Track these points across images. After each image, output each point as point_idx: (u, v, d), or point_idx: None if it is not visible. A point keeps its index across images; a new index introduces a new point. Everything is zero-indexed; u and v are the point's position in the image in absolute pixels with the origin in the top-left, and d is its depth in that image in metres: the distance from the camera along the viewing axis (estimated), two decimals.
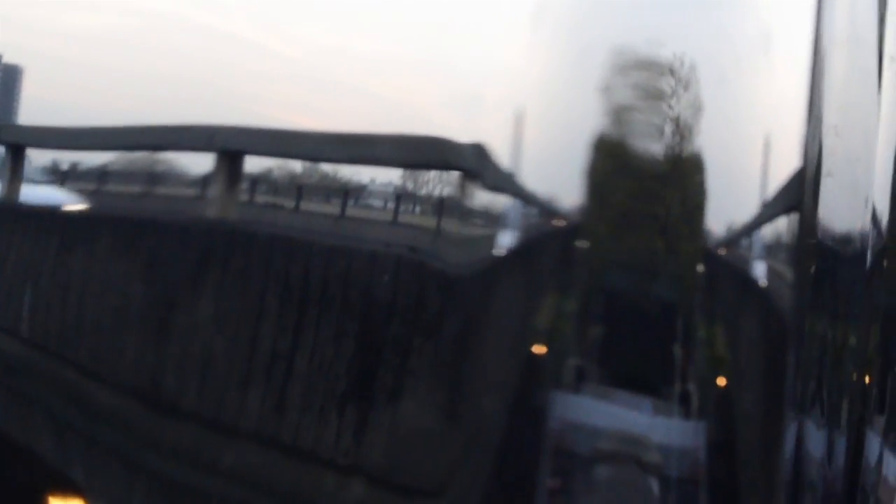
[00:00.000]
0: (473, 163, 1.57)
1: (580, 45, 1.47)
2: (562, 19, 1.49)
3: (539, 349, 1.47)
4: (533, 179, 1.49)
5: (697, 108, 1.40)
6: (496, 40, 1.57)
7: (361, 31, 1.81)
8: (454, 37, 1.65)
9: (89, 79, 2.29)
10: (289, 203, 2.06)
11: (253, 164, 2.06)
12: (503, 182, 1.53)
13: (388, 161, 1.77)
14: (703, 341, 1.41)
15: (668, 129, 1.39)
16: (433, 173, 1.73)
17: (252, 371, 1.89)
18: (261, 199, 2.09)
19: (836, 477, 1.41)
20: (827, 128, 1.41)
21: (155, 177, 2.35)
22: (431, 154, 1.67)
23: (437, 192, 1.73)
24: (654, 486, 1.41)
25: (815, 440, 1.41)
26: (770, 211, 1.42)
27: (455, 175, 1.66)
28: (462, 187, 1.62)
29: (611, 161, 1.43)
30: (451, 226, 1.66)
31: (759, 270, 1.44)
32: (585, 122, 1.42)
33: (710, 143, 1.40)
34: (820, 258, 1.41)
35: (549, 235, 1.50)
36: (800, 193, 1.40)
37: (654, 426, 1.41)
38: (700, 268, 1.41)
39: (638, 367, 1.43)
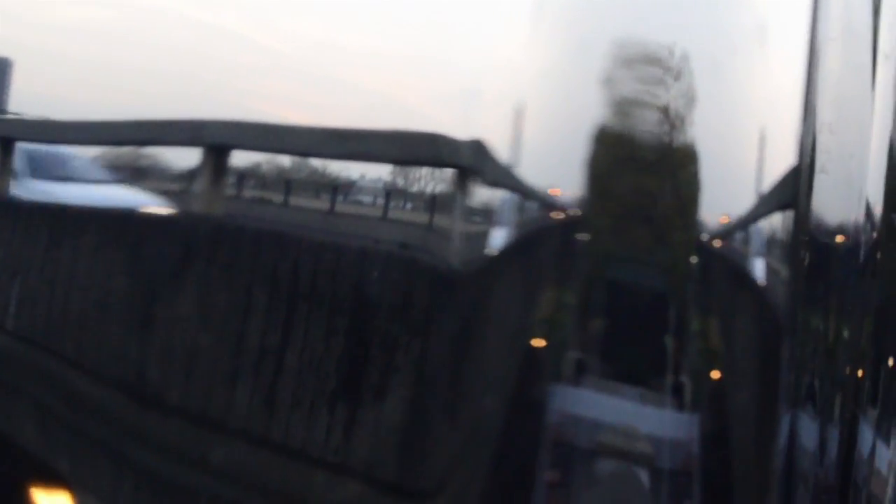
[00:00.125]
0: (471, 159, 1.57)
1: (579, 39, 1.48)
2: (560, 13, 1.49)
3: (538, 342, 1.47)
4: (532, 174, 1.50)
5: (694, 102, 1.40)
6: (493, 35, 1.57)
7: (354, 25, 1.80)
8: (451, 31, 1.65)
9: (78, 72, 2.28)
10: (277, 198, 2.05)
11: (241, 158, 2.05)
12: (502, 177, 1.54)
13: (383, 157, 1.77)
14: (700, 334, 1.42)
15: (666, 122, 1.40)
16: (425, 169, 1.73)
17: (241, 367, 1.89)
18: (249, 193, 2.08)
19: (828, 469, 1.42)
20: (821, 124, 1.42)
21: (141, 171, 2.35)
22: (427, 150, 1.67)
23: (429, 189, 1.73)
24: (651, 478, 1.42)
25: (809, 432, 1.42)
26: (765, 206, 1.43)
27: (449, 171, 1.66)
28: (458, 183, 1.62)
29: (610, 154, 1.44)
30: (445, 221, 1.66)
31: (755, 265, 1.45)
32: (584, 115, 1.43)
33: (706, 136, 1.41)
34: (814, 253, 1.42)
35: (547, 229, 1.50)
36: (794, 189, 1.41)
37: (652, 419, 1.41)
38: (696, 261, 1.42)
39: (636, 360, 1.43)
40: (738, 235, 1.44)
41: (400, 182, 1.80)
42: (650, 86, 1.41)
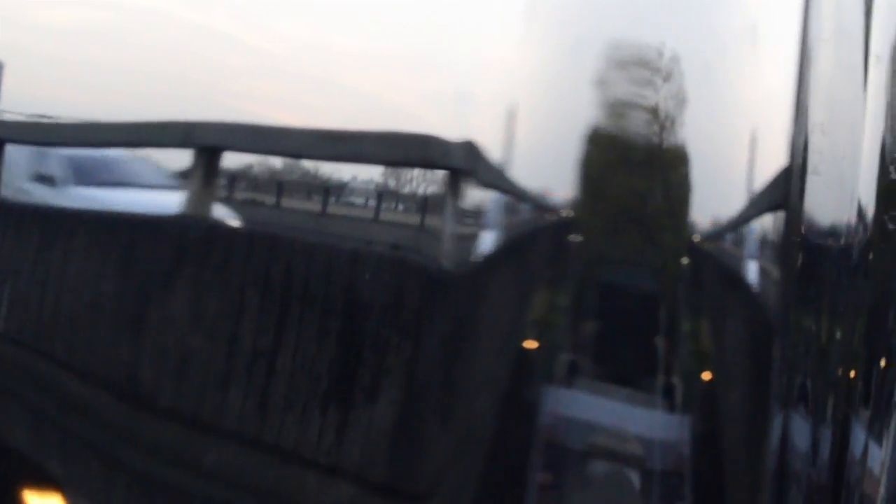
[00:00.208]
0: (463, 160, 1.57)
1: (571, 40, 1.48)
2: (553, 14, 1.50)
3: (530, 344, 1.47)
4: (525, 175, 1.50)
5: (685, 103, 1.41)
6: (486, 36, 1.57)
7: (346, 26, 1.80)
8: (443, 33, 1.65)
9: (69, 74, 2.28)
10: (269, 200, 2.05)
11: (233, 160, 2.05)
12: (495, 178, 1.54)
13: (375, 159, 1.77)
14: (692, 336, 1.42)
15: (659, 123, 1.40)
16: (417, 171, 1.73)
17: (233, 369, 1.88)
18: (240, 195, 2.07)
19: (821, 469, 1.42)
20: (813, 125, 1.42)
21: None
22: (419, 152, 1.67)
23: (421, 190, 1.73)
24: (644, 479, 1.42)
25: (801, 433, 1.42)
26: (757, 207, 1.43)
27: (441, 172, 1.66)
28: (450, 185, 1.62)
29: (603, 156, 1.44)
30: (437, 223, 1.66)
31: (747, 266, 1.45)
32: (577, 116, 1.43)
33: (698, 137, 1.41)
34: (806, 254, 1.43)
35: (538, 231, 1.50)
36: (786, 190, 1.42)
37: (644, 420, 1.42)
38: (688, 262, 1.42)
39: (628, 362, 1.44)
40: (730, 236, 1.44)
41: (392, 183, 1.79)
42: (642, 87, 1.42)
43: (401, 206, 1.79)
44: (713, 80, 1.44)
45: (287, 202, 1.99)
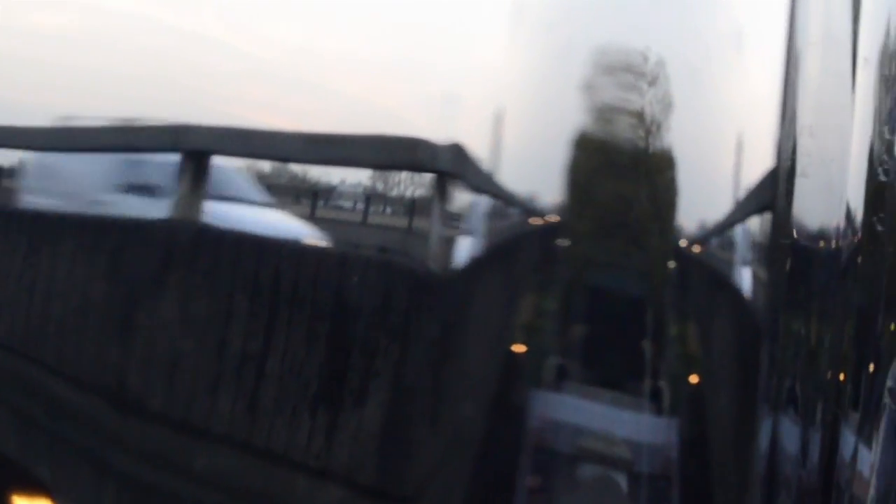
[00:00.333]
0: (451, 163, 1.57)
1: (558, 44, 1.48)
2: (540, 18, 1.49)
3: (518, 348, 1.47)
4: (512, 179, 1.50)
5: (672, 107, 1.41)
6: (473, 40, 1.57)
7: (334, 30, 1.80)
8: (431, 36, 1.65)
9: (57, 79, 2.27)
10: None
11: (221, 163, 2.05)
12: (482, 182, 1.53)
13: (363, 162, 1.77)
14: (680, 339, 1.42)
15: (645, 127, 1.40)
16: (405, 174, 1.73)
17: (222, 373, 1.88)
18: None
19: (811, 473, 1.42)
20: (801, 128, 1.42)
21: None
22: (407, 155, 1.67)
23: (409, 193, 1.73)
24: (633, 483, 1.42)
25: (790, 436, 1.42)
26: (744, 210, 1.43)
27: (429, 176, 1.66)
28: (438, 188, 1.62)
29: (590, 160, 1.44)
30: (425, 226, 1.66)
31: (734, 269, 1.45)
32: (564, 120, 1.43)
33: (685, 141, 1.41)
34: (795, 257, 1.43)
35: (527, 235, 1.50)
36: (773, 192, 1.42)
37: (634, 424, 1.41)
38: (675, 266, 1.42)
39: (616, 366, 1.43)
40: (718, 240, 1.44)
41: (380, 187, 1.79)
42: (629, 91, 1.42)
43: (389, 210, 1.79)
44: (699, 84, 1.44)
45: (276, 206, 1.99)
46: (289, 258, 1.83)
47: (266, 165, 2.01)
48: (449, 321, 1.56)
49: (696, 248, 1.42)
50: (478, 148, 1.52)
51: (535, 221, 1.49)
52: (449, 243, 1.61)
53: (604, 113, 1.43)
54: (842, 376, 1.44)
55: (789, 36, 1.44)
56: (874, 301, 1.45)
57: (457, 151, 1.55)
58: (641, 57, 1.42)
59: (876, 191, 1.43)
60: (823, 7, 1.45)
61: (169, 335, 1.99)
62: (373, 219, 1.81)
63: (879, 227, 1.43)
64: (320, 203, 1.90)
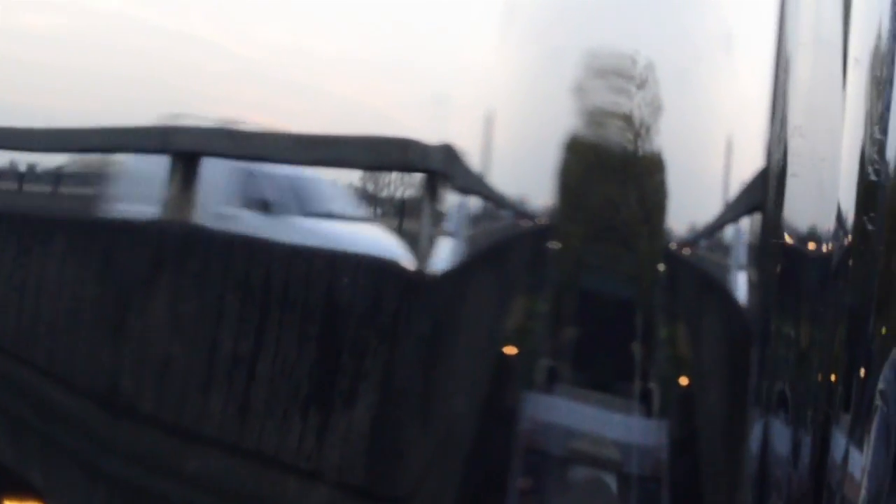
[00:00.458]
0: (441, 164, 1.56)
1: (548, 47, 1.48)
2: (530, 21, 1.49)
3: (510, 350, 1.47)
4: (503, 181, 1.50)
5: (662, 109, 1.41)
6: (465, 41, 1.57)
7: (324, 31, 1.80)
8: (421, 37, 1.65)
9: (44, 79, 2.27)
10: None
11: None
12: (472, 183, 1.53)
13: (354, 163, 1.76)
14: (671, 341, 1.43)
15: (635, 129, 1.40)
16: (395, 175, 1.73)
17: (213, 375, 1.88)
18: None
19: (802, 474, 1.42)
20: (792, 129, 1.42)
21: (109, 178, 2.32)
22: (398, 156, 1.67)
23: (399, 194, 1.73)
24: (624, 485, 1.42)
25: (781, 438, 1.42)
26: (734, 212, 1.43)
27: (419, 177, 1.66)
28: (428, 189, 1.62)
29: (581, 162, 1.44)
30: (414, 227, 1.66)
31: (725, 271, 1.45)
32: (555, 123, 1.43)
33: (674, 143, 1.41)
34: (785, 258, 1.43)
35: (517, 236, 1.50)
36: (764, 194, 1.42)
37: (625, 426, 1.42)
38: (666, 268, 1.42)
39: (608, 368, 1.44)
40: (708, 241, 1.44)
41: (370, 187, 1.79)
42: (619, 94, 1.42)
43: (379, 210, 1.79)
44: (689, 86, 1.44)
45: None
46: (279, 259, 1.83)
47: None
48: (440, 322, 1.56)
49: (687, 251, 1.42)
50: (469, 149, 1.52)
51: (526, 223, 1.48)
52: (439, 245, 1.61)
53: (594, 116, 1.43)
54: (833, 378, 1.44)
55: (779, 37, 1.44)
56: (865, 302, 1.45)
57: (447, 152, 1.55)
58: (631, 59, 1.42)
59: (867, 191, 1.43)
60: (814, 8, 1.45)
61: (160, 337, 1.99)
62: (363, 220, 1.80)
63: (870, 228, 1.43)
64: None
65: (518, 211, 1.49)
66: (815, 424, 1.43)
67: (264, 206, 1.96)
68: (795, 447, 1.42)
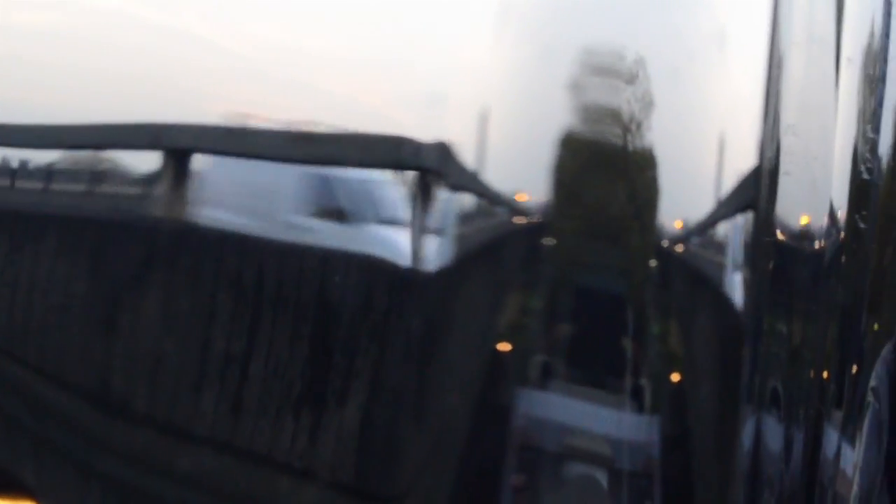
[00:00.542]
0: (435, 162, 1.57)
1: (542, 43, 1.48)
2: (525, 18, 1.50)
3: (503, 347, 1.47)
4: (498, 178, 1.50)
5: (655, 106, 1.41)
6: (459, 39, 1.57)
7: (317, 27, 1.80)
8: (416, 34, 1.65)
9: (34, 75, 2.26)
10: None
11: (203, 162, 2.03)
12: (467, 181, 1.54)
13: (347, 160, 1.76)
14: (664, 337, 1.43)
15: (628, 126, 1.41)
16: (388, 172, 1.73)
17: (206, 373, 1.88)
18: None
19: (794, 471, 1.43)
20: (785, 127, 1.43)
21: (100, 175, 2.32)
22: (392, 153, 1.67)
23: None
24: (617, 481, 1.42)
25: (774, 435, 1.42)
26: (727, 209, 1.44)
27: (413, 174, 1.66)
28: (421, 186, 1.62)
29: (574, 159, 1.44)
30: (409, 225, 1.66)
31: (719, 268, 1.46)
32: (549, 120, 1.43)
33: (666, 140, 1.42)
34: (778, 255, 1.43)
35: (511, 233, 1.50)
36: (757, 191, 1.42)
37: (618, 422, 1.42)
38: (661, 265, 1.43)
39: (602, 364, 1.44)
40: (701, 239, 1.44)
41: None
42: (615, 90, 1.42)
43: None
44: (682, 84, 1.45)
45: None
46: (272, 257, 1.83)
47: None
48: (433, 320, 1.56)
49: (680, 247, 1.42)
50: (463, 147, 1.53)
51: (520, 220, 1.49)
52: (432, 242, 1.61)
53: (588, 113, 1.44)
54: (825, 375, 1.44)
55: (773, 36, 1.44)
56: (857, 299, 1.45)
57: (441, 150, 1.55)
58: (624, 57, 1.42)
59: (859, 190, 1.44)
60: (807, 7, 1.46)
61: (153, 336, 1.98)
62: None
63: (862, 226, 1.44)
64: None
65: (512, 208, 1.50)
66: (808, 421, 1.44)
67: (339, 215, 1.83)
68: (787, 444, 1.43)
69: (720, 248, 1.45)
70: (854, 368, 1.44)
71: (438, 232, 1.59)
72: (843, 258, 1.45)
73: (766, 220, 1.43)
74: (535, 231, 1.46)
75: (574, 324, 1.44)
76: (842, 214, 1.44)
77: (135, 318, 2.03)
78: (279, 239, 1.88)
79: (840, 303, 1.45)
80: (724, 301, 1.45)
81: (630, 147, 1.42)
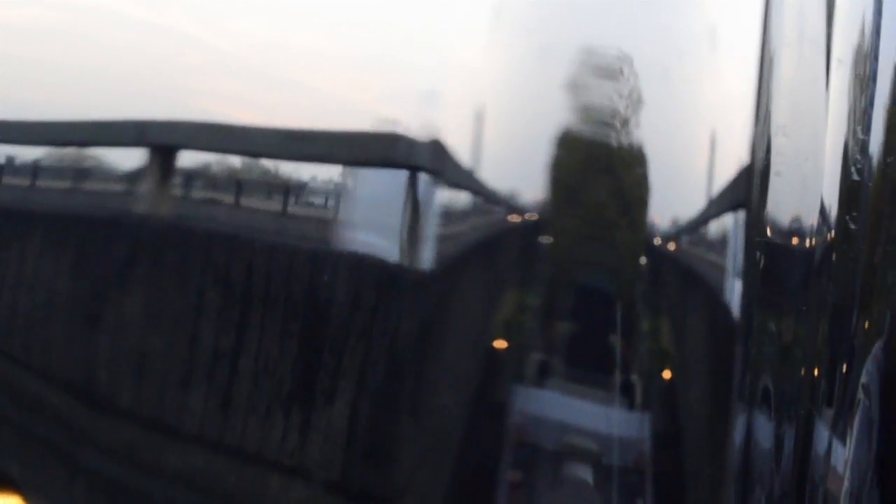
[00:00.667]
0: (429, 160, 1.57)
1: (535, 42, 1.48)
2: (519, 16, 1.50)
3: (500, 344, 1.48)
4: (493, 176, 1.50)
5: (646, 104, 1.42)
6: (454, 37, 1.57)
7: (308, 23, 1.80)
8: (409, 32, 1.65)
9: (17, 71, 2.25)
10: (228, 199, 2.03)
11: (190, 158, 2.03)
12: (462, 179, 1.54)
13: (339, 158, 1.76)
14: (655, 335, 1.44)
15: (620, 124, 1.41)
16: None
17: (194, 370, 1.87)
18: (198, 194, 2.06)
19: (785, 468, 1.44)
20: (775, 127, 1.44)
21: (84, 172, 2.31)
22: (385, 151, 1.67)
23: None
24: (609, 478, 1.43)
25: (765, 432, 1.43)
26: (718, 207, 1.44)
27: (406, 172, 1.66)
28: (416, 185, 1.62)
29: (569, 158, 1.45)
30: (403, 223, 1.66)
31: (711, 266, 1.46)
32: (543, 119, 1.44)
33: (657, 138, 1.43)
34: (768, 255, 1.44)
35: (506, 231, 1.51)
36: (748, 190, 1.43)
37: (612, 419, 1.43)
38: (650, 263, 1.43)
39: (598, 361, 1.45)
40: (692, 237, 1.45)
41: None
42: (608, 88, 1.43)
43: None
44: (672, 83, 1.45)
45: (246, 202, 1.98)
46: (260, 255, 1.83)
47: (237, 161, 2.00)
48: (428, 317, 1.56)
49: (671, 246, 1.43)
50: (458, 145, 1.53)
51: (515, 218, 1.49)
52: (425, 241, 1.61)
53: (583, 111, 1.44)
54: (816, 372, 1.45)
55: (763, 36, 1.45)
56: (848, 298, 1.47)
57: (436, 148, 1.55)
58: (617, 56, 1.43)
59: (849, 189, 1.45)
60: (798, 7, 1.47)
61: (139, 332, 1.98)
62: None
63: (853, 226, 1.45)
64: (292, 199, 1.89)
65: (507, 206, 1.50)
66: (799, 418, 1.45)
67: None
68: (779, 441, 1.44)
69: (712, 246, 1.46)
70: (845, 366, 1.46)
71: (433, 230, 1.59)
72: (834, 257, 1.46)
73: (757, 220, 1.44)
74: (530, 229, 1.47)
75: (569, 321, 1.45)
76: (832, 214, 1.45)
77: (121, 314, 2.03)
78: (267, 236, 1.88)
79: (831, 301, 1.46)
80: (716, 299, 1.46)
81: (622, 145, 1.42)
